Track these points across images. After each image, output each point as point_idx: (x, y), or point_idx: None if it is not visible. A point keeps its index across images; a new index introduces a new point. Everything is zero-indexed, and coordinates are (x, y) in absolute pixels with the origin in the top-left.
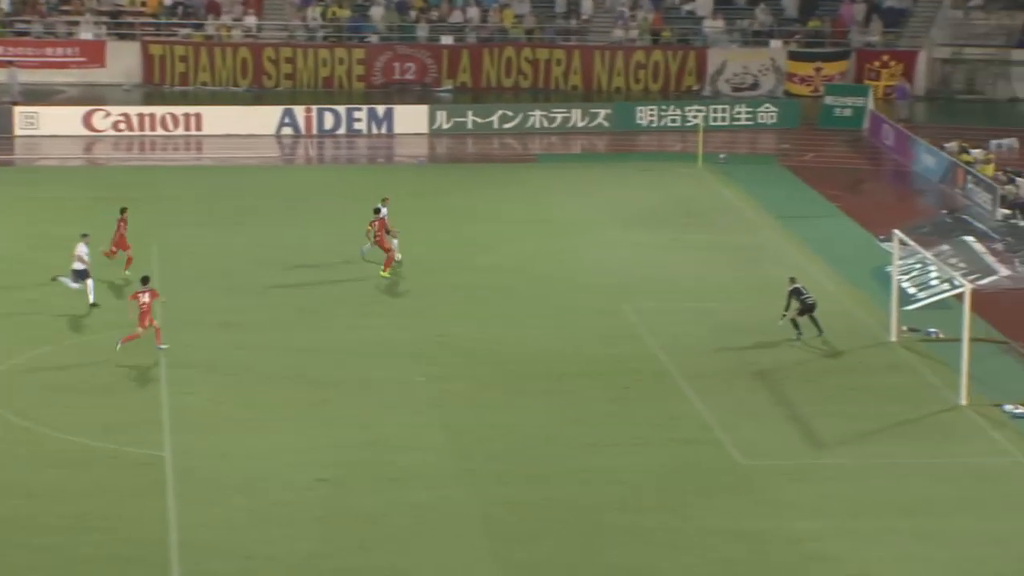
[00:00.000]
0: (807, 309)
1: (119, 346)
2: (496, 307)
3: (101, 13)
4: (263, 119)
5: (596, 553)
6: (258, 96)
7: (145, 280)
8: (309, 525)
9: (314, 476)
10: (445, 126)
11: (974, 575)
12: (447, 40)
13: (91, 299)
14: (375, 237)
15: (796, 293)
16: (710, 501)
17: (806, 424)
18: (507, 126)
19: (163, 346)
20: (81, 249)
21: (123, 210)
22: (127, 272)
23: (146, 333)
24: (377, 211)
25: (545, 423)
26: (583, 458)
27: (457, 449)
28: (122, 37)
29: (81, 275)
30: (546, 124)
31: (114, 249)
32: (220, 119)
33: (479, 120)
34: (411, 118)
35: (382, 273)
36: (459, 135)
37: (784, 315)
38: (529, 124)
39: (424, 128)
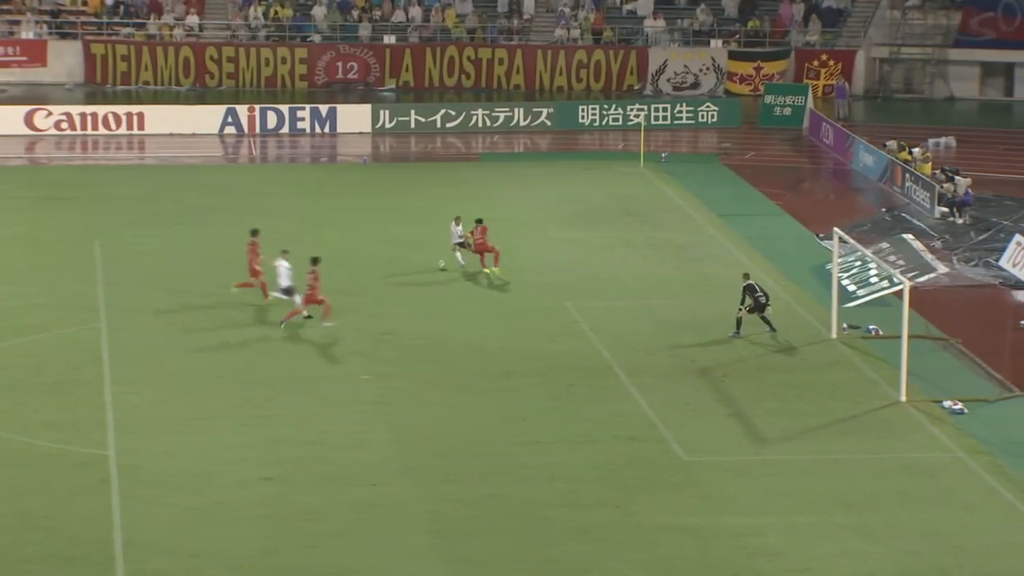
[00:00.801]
0: (758, 307)
1: (283, 325)
2: (440, 305)
3: (42, 12)
4: (206, 118)
5: (541, 549)
6: (201, 95)
7: (315, 260)
8: (254, 523)
9: (259, 474)
10: (388, 125)
11: (914, 569)
12: (389, 40)
13: (305, 313)
14: (476, 242)
15: (750, 290)
16: (654, 497)
17: (748, 421)
18: (450, 125)
19: (328, 323)
20: (283, 266)
21: (254, 232)
22: (235, 290)
23: (310, 310)
24: (480, 221)
25: (489, 420)
26: (527, 455)
27: (401, 447)
28: (64, 36)
29: (287, 292)
30: (489, 123)
31: (254, 279)
32: (163, 118)
33: (422, 119)
34: (354, 117)
35: (494, 269)
36: (402, 134)
37: (740, 309)
38: (472, 123)
39: (367, 127)
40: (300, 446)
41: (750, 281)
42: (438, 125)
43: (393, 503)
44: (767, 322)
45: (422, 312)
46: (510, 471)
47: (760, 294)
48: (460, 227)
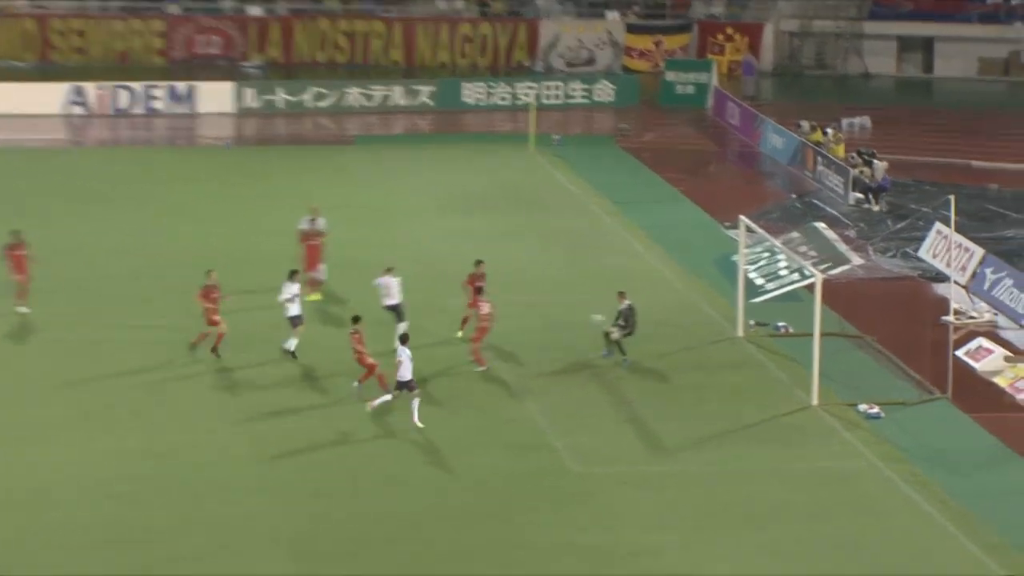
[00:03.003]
0: (628, 329)
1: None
2: (306, 303)
3: None
4: (49, 97)
5: (420, 571)
6: (44, 71)
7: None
8: (97, 546)
9: (103, 491)
10: (253, 105)
11: None
12: (255, 11)
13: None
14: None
15: (629, 312)
16: (543, 513)
17: (646, 427)
18: (321, 104)
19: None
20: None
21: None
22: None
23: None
24: (479, 262)
25: (360, 429)
26: (403, 467)
27: (261, 460)
28: None
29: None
30: (364, 102)
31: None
32: (1, 97)
33: (290, 98)
34: (215, 96)
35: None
36: (269, 115)
37: (609, 329)
38: (345, 102)
39: (230, 107)
40: (147, 460)
41: (629, 302)
42: (308, 104)
43: (253, 522)
44: (619, 345)
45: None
46: (384, 485)
47: (632, 317)
48: (321, 219)
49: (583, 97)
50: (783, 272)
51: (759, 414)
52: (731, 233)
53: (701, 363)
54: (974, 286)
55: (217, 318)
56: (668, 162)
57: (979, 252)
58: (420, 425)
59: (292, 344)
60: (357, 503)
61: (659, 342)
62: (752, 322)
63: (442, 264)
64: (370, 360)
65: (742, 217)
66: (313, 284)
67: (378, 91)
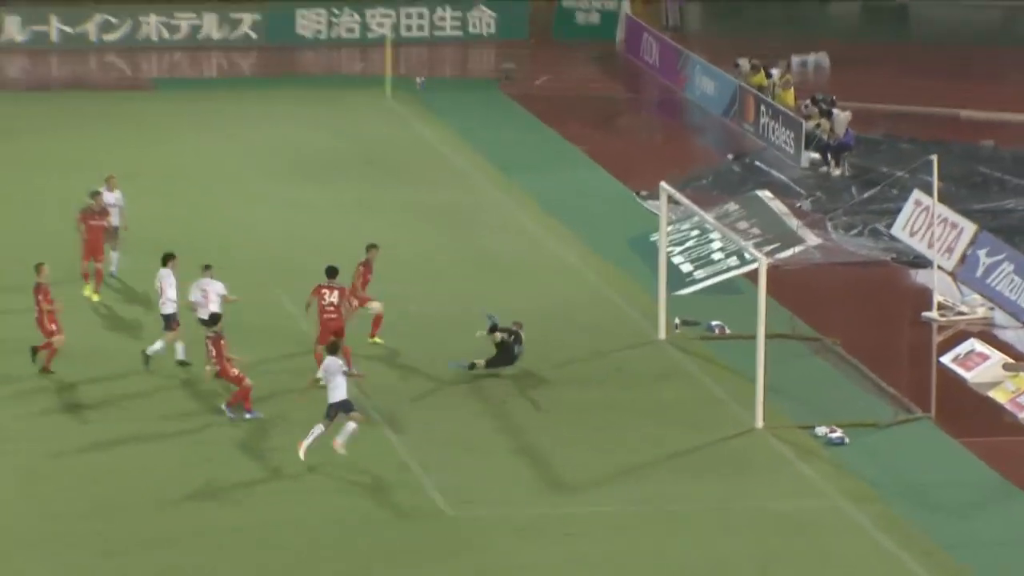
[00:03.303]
0: (506, 358)
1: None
2: (94, 299)
3: None
4: None
5: None
6: None
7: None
8: None
9: None
10: (18, 38)
11: None
12: None
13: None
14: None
15: (517, 339)
16: (403, 570)
17: (543, 458)
18: (110, 38)
19: None
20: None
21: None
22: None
23: None
24: (373, 246)
25: (167, 463)
26: (221, 512)
27: (34, 501)
28: None
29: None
30: (167, 35)
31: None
32: None
33: (68, 30)
34: None
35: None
36: (39, 50)
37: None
38: (142, 35)
39: None
40: None
41: (521, 331)
42: (92, 38)
43: None
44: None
45: (65, 305)
46: (194, 536)
47: (515, 352)
48: (116, 192)
49: (455, 28)
50: (717, 256)
51: (688, 440)
52: (650, 205)
53: (613, 375)
54: (963, 273)
55: (55, 326)
56: (567, 113)
57: (970, 229)
58: (343, 452)
59: (159, 345)
60: (159, 559)
61: (560, 348)
62: (678, 321)
63: (273, 245)
64: (236, 372)
65: (664, 184)
66: (95, 278)
67: (185, 20)
